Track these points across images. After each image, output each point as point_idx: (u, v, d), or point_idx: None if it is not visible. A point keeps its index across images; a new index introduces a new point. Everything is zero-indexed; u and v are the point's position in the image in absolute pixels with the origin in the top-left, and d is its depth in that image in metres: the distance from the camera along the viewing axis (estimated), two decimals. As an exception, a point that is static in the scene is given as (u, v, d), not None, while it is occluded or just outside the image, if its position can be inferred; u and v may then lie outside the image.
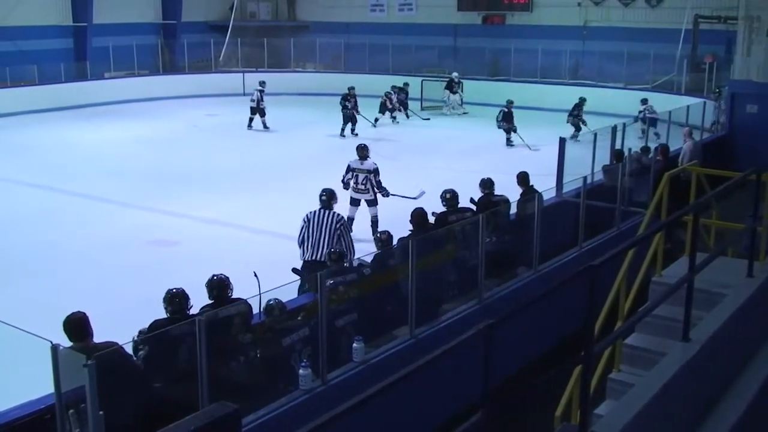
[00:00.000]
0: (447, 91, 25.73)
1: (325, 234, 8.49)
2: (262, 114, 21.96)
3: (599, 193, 10.47)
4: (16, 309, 8.50)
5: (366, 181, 11.60)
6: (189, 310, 5.94)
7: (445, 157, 18.24)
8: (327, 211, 8.71)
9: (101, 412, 4.24)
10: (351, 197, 11.80)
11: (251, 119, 22.03)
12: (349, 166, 11.86)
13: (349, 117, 21.19)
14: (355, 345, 6.34)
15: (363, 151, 11.84)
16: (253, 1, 33.55)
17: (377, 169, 11.69)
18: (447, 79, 26.16)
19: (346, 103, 21.23)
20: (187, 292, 6.06)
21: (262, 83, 22.42)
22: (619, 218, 10.42)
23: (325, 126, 22.27)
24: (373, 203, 11.67)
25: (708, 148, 15.64)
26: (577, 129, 20.41)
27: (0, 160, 17.70)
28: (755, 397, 4.84)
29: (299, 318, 6.43)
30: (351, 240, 8.76)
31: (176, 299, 5.89)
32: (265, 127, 22.03)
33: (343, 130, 21.11)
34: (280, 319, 6.14)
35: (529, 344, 7.88)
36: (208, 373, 5.19)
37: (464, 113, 25.46)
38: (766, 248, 6.26)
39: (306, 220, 8.71)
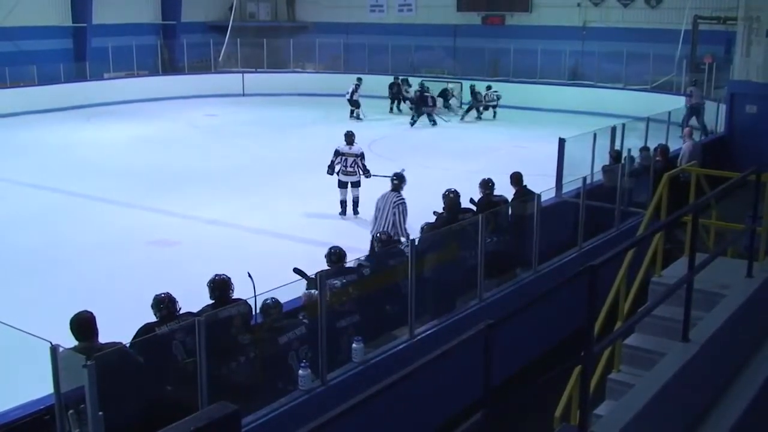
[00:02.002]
0: (441, 99, 25.46)
1: (385, 211, 9.70)
2: (357, 105, 23.68)
3: (598, 193, 10.46)
4: (16, 309, 8.51)
5: (354, 164, 12.70)
6: (178, 313, 5.94)
7: (445, 157, 18.23)
8: (392, 192, 9.91)
9: (101, 413, 4.24)
10: (339, 180, 12.86)
11: (352, 111, 23.77)
12: (337, 150, 12.87)
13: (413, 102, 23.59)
14: (354, 345, 6.34)
15: (351, 137, 12.92)
16: (253, 2, 33.54)
17: (363, 153, 12.89)
18: (442, 88, 25.91)
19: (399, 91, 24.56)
20: (186, 292, 6.06)
21: (359, 79, 24.24)
22: (619, 218, 10.42)
23: (325, 126, 22.27)
24: (357, 185, 12.83)
25: (707, 149, 15.64)
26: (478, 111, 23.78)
27: (0, 160, 17.70)
28: (755, 397, 4.84)
29: (300, 316, 6.43)
30: (403, 219, 9.80)
31: (165, 304, 5.87)
32: (358, 118, 23.53)
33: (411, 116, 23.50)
34: (277, 318, 6.14)
35: (529, 344, 7.88)
36: (207, 374, 5.18)
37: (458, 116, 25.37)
38: (766, 248, 6.26)
39: (378, 201, 10.04)
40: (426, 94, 23.10)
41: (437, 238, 7.99)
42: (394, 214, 9.60)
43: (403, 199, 9.70)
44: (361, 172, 12.77)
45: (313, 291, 6.62)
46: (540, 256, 8.69)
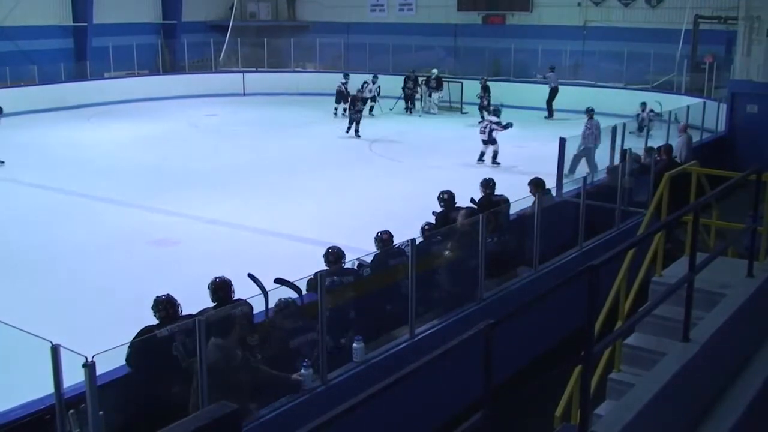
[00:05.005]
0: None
1: (596, 131, 15.32)
2: (374, 100, 24.54)
3: (598, 193, 10.45)
4: (16, 309, 8.50)
5: (485, 128, 17.22)
6: (179, 315, 5.92)
7: (446, 157, 18.23)
8: (591, 120, 15.74)
9: (101, 412, 4.24)
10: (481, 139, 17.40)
11: (371, 107, 24.38)
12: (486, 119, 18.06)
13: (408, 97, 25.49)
14: (354, 345, 6.33)
15: (498, 112, 17.94)
16: (253, 1, 33.54)
17: (499, 122, 17.17)
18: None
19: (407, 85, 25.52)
20: (186, 292, 6.04)
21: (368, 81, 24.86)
22: (619, 218, 10.41)
23: (324, 126, 22.28)
24: (492, 142, 17.18)
25: (707, 148, 15.63)
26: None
27: (1, 160, 17.70)
28: (755, 398, 4.84)
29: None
30: (599, 132, 15.23)
31: (165, 306, 5.85)
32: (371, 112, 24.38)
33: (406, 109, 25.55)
34: (293, 318, 6.10)
35: (529, 344, 7.87)
36: (208, 374, 5.18)
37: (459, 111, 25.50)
38: (766, 248, 6.26)
39: (587, 126, 15.62)
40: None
41: (443, 238, 7.98)
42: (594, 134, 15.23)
43: (597, 121, 15.38)
44: (490, 133, 17.02)
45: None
46: (540, 256, 8.69)
